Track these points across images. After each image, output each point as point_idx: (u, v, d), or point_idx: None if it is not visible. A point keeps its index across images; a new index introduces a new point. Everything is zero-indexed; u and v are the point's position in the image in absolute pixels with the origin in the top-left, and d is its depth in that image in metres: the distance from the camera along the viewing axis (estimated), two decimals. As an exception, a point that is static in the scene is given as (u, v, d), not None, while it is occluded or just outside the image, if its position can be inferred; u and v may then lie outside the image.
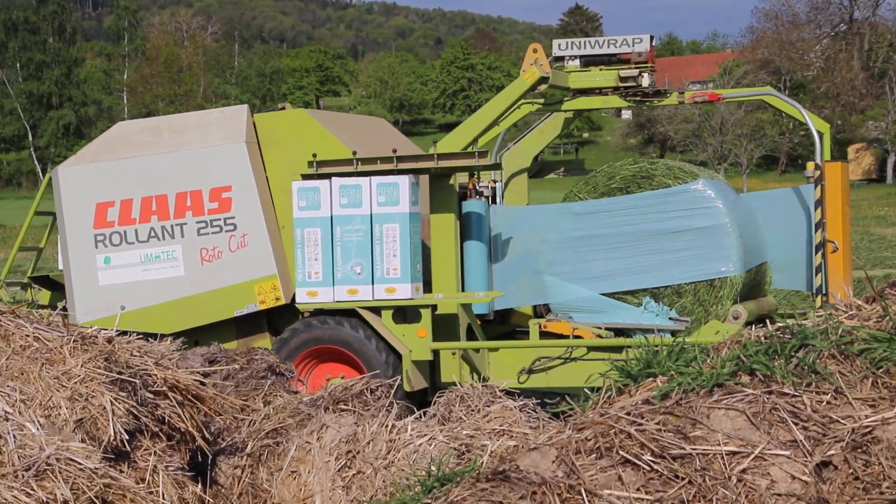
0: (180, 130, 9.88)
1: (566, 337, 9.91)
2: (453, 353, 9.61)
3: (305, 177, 9.32)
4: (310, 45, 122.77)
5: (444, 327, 9.81)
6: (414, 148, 10.77)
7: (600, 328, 9.97)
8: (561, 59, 10.07)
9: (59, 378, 5.73)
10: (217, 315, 9.74)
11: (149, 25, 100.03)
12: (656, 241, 9.77)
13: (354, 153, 9.39)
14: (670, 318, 9.82)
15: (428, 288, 9.83)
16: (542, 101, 10.49)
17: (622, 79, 9.94)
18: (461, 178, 10.19)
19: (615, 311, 9.95)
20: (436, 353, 9.66)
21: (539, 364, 9.72)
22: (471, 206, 9.95)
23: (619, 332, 10.01)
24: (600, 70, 10.04)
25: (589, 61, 10.07)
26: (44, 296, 10.48)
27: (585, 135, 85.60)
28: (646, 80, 9.96)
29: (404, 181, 9.10)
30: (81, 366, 5.78)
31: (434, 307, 9.61)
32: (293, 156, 9.60)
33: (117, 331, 6.04)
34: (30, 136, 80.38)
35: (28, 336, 6.07)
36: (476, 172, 9.99)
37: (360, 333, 9.42)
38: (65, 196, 9.68)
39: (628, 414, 4.55)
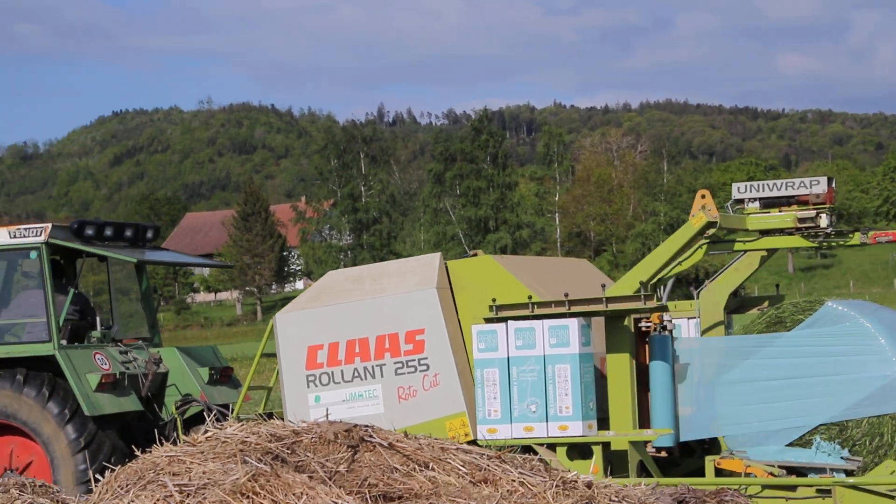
0: (380, 278, 10.58)
1: (739, 474, 9.73)
2: None
3: (488, 320, 9.92)
4: (740, 158, 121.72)
5: (617, 464, 9.91)
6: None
7: (773, 466, 9.73)
8: (741, 201, 10.32)
9: (544, 524, 5.94)
10: None
11: (579, 148, 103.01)
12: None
13: (530, 297, 9.89)
14: (842, 458, 9.60)
15: (606, 425, 10.02)
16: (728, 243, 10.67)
17: (800, 220, 10.11)
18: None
19: (788, 449, 9.81)
20: None
21: None
22: (655, 341, 10.05)
23: (792, 470, 9.79)
24: (780, 211, 10.19)
25: (768, 203, 10.22)
26: None
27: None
28: (823, 221, 10.06)
29: (574, 324, 9.66)
30: (565, 512, 5.97)
31: (607, 444, 9.88)
32: (482, 299, 10.13)
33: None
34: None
35: (514, 481, 6.37)
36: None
37: None
38: (281, 340, 10.54)
39: None
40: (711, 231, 9.95)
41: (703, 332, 10.76)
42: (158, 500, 6.37)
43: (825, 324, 9.72)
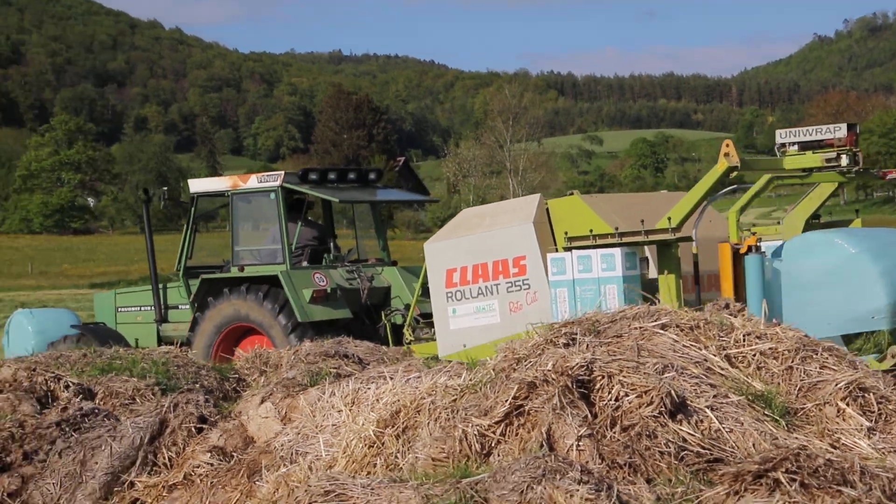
0: (496, 214, 12.78)
1: None
2: None
3: (566, 249, 11.92)
4: None
5: None
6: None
7: None
8: (783, 145, 11.84)
9: None
10: None
11: None
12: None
13: (591, 230, 11.79)
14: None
15: None
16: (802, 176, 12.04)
17: (826, 160, 11.64)
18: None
19: None
20: None
21: None
22: (748, 261, 11.13)
23: None
24: (813, 153, 11.67)
25: (804, 146, 11.72)
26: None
27: None
28: (844, 161, 11.58)
29: (618, 252, 11.53)
30: None
31: None
32: (570, 231, 12.09)
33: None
34: None
35: None
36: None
37: None
38: (428, 264, 12.96)
39: None
40: (734, 174, 11.29)
41: None
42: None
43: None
